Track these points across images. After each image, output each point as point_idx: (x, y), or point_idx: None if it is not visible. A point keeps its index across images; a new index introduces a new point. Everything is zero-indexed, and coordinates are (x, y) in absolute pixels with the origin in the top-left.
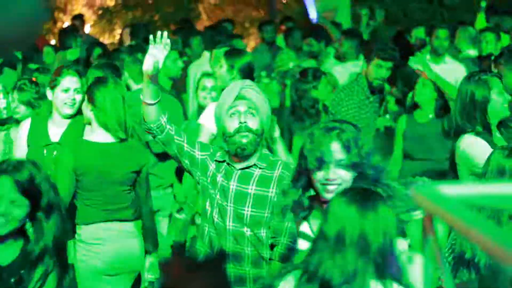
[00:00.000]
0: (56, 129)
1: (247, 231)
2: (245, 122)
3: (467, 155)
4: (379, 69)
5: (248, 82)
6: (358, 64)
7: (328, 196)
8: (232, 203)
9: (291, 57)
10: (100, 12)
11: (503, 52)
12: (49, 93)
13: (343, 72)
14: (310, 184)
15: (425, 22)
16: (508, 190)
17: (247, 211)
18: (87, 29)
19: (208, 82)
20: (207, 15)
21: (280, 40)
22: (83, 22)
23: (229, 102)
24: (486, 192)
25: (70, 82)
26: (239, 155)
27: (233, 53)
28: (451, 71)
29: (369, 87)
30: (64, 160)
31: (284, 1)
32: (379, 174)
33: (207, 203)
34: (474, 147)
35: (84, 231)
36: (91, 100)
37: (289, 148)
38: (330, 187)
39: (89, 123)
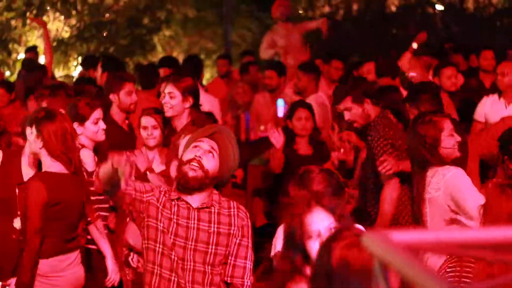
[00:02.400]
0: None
1: (207, 269)
2: (200, 157)
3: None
4: None
5: (225, 128)
6: (320, 97)
7: None
8: (193, 241)
9: (247, 91)
10: (54, 43)
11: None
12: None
13: None
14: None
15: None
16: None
17: (211, 249)
18: (42, 61)
19: (148, 122)
20: (162, 47)
21: (236, 73)
22: (37, 54)
23: (198, 138)
24: (439, 239)
25: None
26: (181, 185)
27: (179, 78)
28: None
29: None
30: (37, 195)
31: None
32: None
33: (156, 245)
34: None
35: (43, 265)
36: (40, 134)
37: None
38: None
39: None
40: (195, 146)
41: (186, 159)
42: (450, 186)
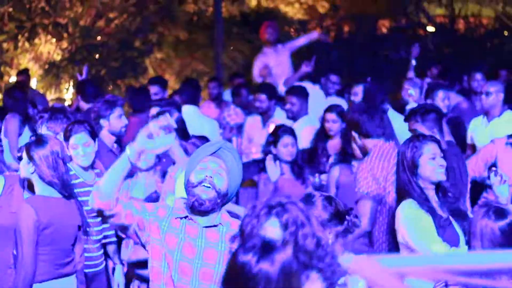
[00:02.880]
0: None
1: None
2: (211, 177)
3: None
4: None
5: (228, 144)
6: (312, 119)
7: None
8: (201, 260)
9: (238, 114)
10: (46, 66)
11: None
12: None
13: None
14: None
15: (369, 76)
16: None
17: (218, 268)
18: (34, 83)
19: None
20: (154, 69)
21: (227, 95)
22: (29, 77)
23: (202, 157)
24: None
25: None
26: (196, 208)
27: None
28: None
29: None
30: (27, 218)
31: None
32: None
33: (161, 264)
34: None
35: None
36: (31, 159)
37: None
38: None
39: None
40: (203, 167)
41: (197, 180)
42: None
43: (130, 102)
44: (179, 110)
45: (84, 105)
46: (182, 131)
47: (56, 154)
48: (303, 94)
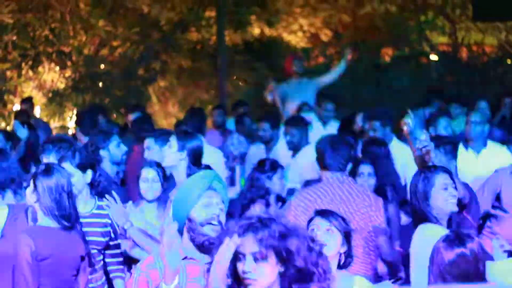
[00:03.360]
0: None
1: None
2: (218, 215)
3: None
4: None
5: (214, 172)
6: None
7: None
8: None
9: (242, 142)
10: (50, 95)
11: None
12: None
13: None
14: None
15: (373, 105)
16: None
17: None
18: (37, 111)
19: (148, 174)
20: (157, 98)
21: (231, 123)
22: (33, 105)
23: (201, 191)
24: None
25: None
26: (206, 247)
27: (185, 135)
28: (397, 155)
29: None
30: (25, 249)
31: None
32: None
33: None
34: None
35: None
36: (36, 188)
37: None
38: (246, 281)
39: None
40: (206, 204)
41: (205, 219)
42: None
43: (135, 131)
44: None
45: (82, 138)
46: (197, 159)
47: (61, 187)
48: (303, 125)
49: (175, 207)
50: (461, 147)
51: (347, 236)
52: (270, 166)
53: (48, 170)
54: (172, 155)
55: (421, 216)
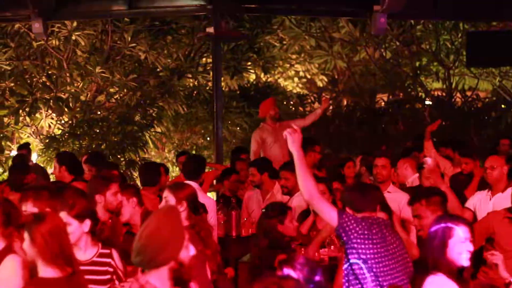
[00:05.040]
0: None
1: None
2: None
3: None
4: None
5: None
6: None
7: None
8: None
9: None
10: (47, 140)
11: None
12: None
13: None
14: None
15: (368, 150)
16: None
17: None
18: (34, 157)
19: None
20: (154, 143)
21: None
22: (30, 151)
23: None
24: None
25: None
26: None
27: (177, 186)
28: (394, 200)
29: None
30: None
31: None
32: None
33: None
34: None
35: None
36: (32, 239)
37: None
38: None
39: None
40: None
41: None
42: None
43: (141, 177)
44: None
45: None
46: (194, 206)
47: (58, 228)
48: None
49: None
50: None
51: None
52: (279, 210)
53: (39, 216)
54: None
55: (434, 264)
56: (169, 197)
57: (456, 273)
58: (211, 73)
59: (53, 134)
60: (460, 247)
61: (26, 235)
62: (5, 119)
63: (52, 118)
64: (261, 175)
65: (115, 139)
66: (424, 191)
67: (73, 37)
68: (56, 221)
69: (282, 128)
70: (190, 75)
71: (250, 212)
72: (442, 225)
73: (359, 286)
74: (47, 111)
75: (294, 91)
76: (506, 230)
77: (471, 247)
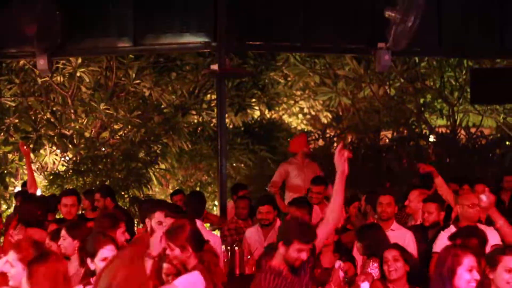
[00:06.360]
0: None
1: None
2: None
3: None
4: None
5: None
6: None
7: None
8: None
9: (240, 225)
10: (51, 177)
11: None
12: None
13: None
14: None
15: (372, 187)
16: None
17: None
18: (38, 194)
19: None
20: (158, 180)
21: (230, 205)
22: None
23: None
24: None
25: None
26: None
27: (174, 231)
28: (398, 238)
29: None
30: None
31: None
32: None
33: None
34: None
35: None
36: (30, 277)
37: None
38: None
39: None
40: None
41: None
42: None
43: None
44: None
45: None
46: (198, 243)
47: (57, 271)
48: (306, 205)
49: None
50: None
51: None
52: None
53: (43, 256)
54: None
55: None
56: (171, 245)
57: None
58: (215, 109)
59: (57, 171)
60: (468, 276)
61: (26, 272)
62: (9, 156)
63: (57, 155)
64: (274, 211)
65: (119, 176)
66: (463, 232)
67: (78, 74)
68: (58, 263)
69: (309, 167)
70: (194, 112)
71: (252, 251)
72: (453, 251)
73: None
74: (51, 147)
75: (299, 127)
76: None
77: (478, 277)
